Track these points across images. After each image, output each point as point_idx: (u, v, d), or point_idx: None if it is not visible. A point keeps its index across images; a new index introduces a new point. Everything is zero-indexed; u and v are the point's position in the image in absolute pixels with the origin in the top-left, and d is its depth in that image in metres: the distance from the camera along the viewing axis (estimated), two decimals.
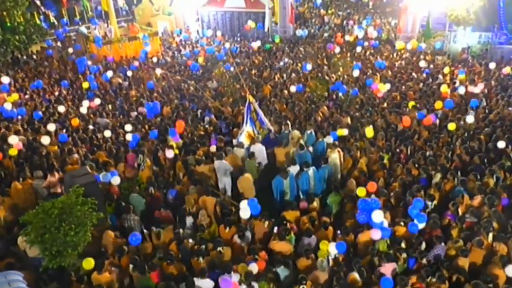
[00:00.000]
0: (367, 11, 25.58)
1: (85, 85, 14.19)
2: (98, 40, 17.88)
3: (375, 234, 6.98)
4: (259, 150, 9.71)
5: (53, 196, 7.91)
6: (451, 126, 10.47)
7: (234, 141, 10.12)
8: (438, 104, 11.45)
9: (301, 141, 9.78)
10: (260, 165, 9.60)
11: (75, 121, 11.50)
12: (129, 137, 10.48)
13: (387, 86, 13.25)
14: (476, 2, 17.35)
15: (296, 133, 10.18)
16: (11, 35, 16.43)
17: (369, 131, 10.18)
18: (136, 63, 17.03)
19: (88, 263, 6.66)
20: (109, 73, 15.27)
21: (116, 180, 8.66)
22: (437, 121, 11.08)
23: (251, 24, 21.96)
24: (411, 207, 7.48)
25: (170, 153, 9.61)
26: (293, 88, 13.77)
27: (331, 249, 6.79)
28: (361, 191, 8.07)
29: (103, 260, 6.71)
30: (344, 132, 10.41)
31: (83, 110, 12.39)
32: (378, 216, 7.07)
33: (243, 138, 10.10)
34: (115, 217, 8.21)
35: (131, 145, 10.30)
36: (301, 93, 13.63)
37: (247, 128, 10.16)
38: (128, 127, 10.99)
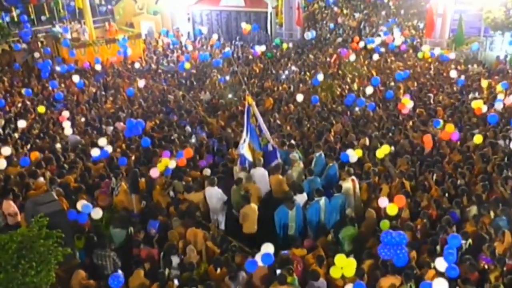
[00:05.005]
0: (387, 12, 26.02)
1: (41, 109, 13.53)
2: (65, 43, 18.15)
3: None
4: (261, 175, 9.73)
5: (11, 228, 7.88)
6: (478, 138, 10.60)
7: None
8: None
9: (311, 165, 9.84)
10: (248, 194, 9.39)
11: (35, 154, 10.72)
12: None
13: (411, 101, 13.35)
14: None
15: (295, 155, 10.20)
16: None
17: (385, 148, 10.27)
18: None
19: None
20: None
21: (97, 214, 8.62)
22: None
23: (246, 26, 22.28)
24: (446, 246, 7.36)
25: (155, 172, 9.63)
26: (299, 97, 13.95)
27: None
28: (385, 225, 8.15)
29: None
30: (360, 153, 10.47)
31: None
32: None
33: (245, 150, 10.05)
34: (84, 253, 8.17)
35: (122, 162, 10.35)
36: (311, 107, 13.77)
37: (248, 138, 10.22)
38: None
